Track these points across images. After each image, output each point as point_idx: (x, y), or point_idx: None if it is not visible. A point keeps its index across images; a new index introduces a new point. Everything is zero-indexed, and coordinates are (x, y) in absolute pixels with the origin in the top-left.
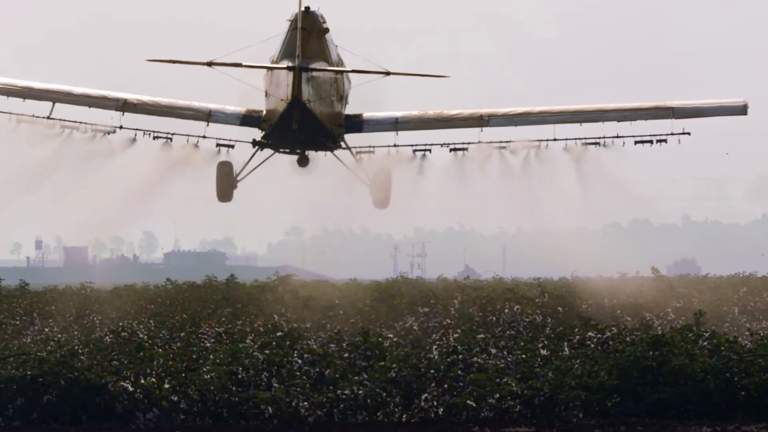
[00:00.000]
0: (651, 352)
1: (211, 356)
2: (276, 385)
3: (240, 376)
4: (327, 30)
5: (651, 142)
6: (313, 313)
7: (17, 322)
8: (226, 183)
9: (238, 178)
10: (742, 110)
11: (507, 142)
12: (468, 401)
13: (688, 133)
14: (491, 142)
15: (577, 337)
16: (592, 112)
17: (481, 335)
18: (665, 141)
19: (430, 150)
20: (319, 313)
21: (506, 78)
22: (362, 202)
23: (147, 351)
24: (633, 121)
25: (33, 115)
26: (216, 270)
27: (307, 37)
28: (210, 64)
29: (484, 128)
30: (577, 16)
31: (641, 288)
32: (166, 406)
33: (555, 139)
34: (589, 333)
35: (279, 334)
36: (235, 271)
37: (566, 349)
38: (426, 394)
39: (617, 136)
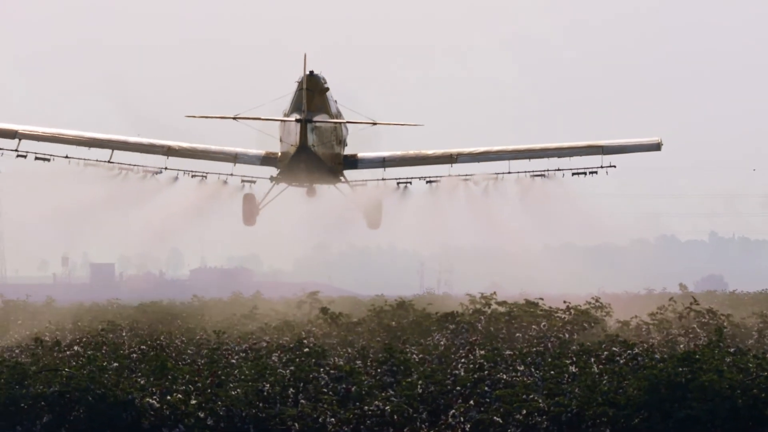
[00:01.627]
0: (680, 369)
1: (237, 372)
2: (303, 401)
3: (266, 392)
4: (327, 89)
5: (585, 173)
6: (339, 329)
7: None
8: (251, 211)
9: (260, 207)
10: (656, 147)
11: (471, 175)
12: (495, 417)
13: (614, 166)
14: (458, 175)
15: (605, 353)
16: (538, 150)
17: (508, 351)
18: (596, 173)
19: (410, 182)
20: (345, 329)
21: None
22: (357, 223)
23: (175, 367)
24: (570, 157)
25: (96, 160)
26: (242, 286)
27: (311, 95)
28: (235, 117)
29: (453, 164)
30: (530, 53)
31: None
32: (192, 422)
33: (509, 172)
34: (616, 349)
35: (305, 350)
36: (262, 287)
37: (594, 365)
38: (453, 410)
39: (558, 169)
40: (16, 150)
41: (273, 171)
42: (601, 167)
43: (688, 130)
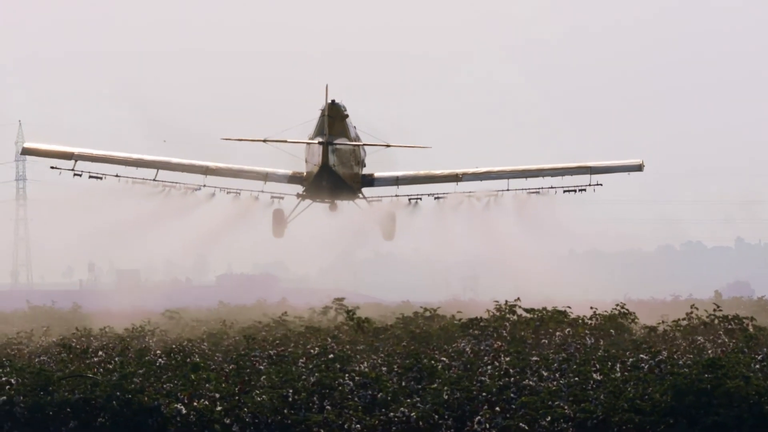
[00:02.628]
0: (706, 375)
1: (263, 378)
2: (328, 407)
3: (292, 399)
4: (347, 116)
5: (575, 191)
6: (365, 336)
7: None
8: (280, 224)
9: (288, 221)
10: (639, 168)
11: (472, 192)
12: (520, 424)
13: (601, 184)
14: (463, 193)
15: (630, 359)
16: (533, 171)
17: (534, 358)
18: (584, 190)
19: (420, 198)
20: (371, 336)
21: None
22: (374, 234)
23: (201, 373)
24: (562, 176)
25: (143, 179)
26: (268, 292)
27: (333, 121)
28: (265, 140)
29: (458, 182)
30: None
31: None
32: (219, 428)
33: (508, 189)
34: (642, 355)
35: (331, 356)
36: (288, 293)
37: (619, 371)
38: (478, 417)
39: (552, 187)
40: (73, 170)
41: (299, 188)
42: (589, 185)
43: (715, 137)
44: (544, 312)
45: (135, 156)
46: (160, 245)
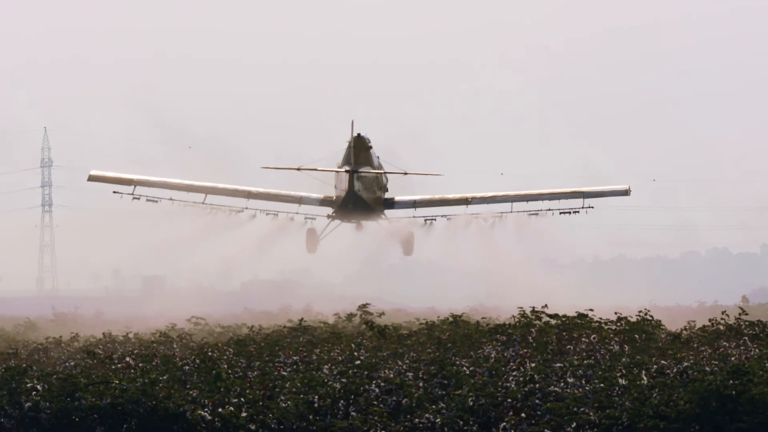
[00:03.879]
0: (730, 381)
1: (288, 384)
2: (353, 413)
3: (317, 405)
4: (371, 147)
5: (570, 212)
6: (390, 342)
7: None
8: (312, 242)
9: (320, 239)
10: (625, 192)
11: (478, 214)
12: (546, 430)
13: (592, 207)
14: (471, 214)
15: (655, 366)
16: (533, 195)
17: (559, 364)
18: (578, 212)
19: (435, 219)
20: (396, 342)
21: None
22: (395, 250)
23: (227, 379)
24: (559, 200)
25: (193, 202)
26: (293, 299)
27: (358, 152)
28: (299, 168)
29: (468, 205)
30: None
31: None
32: None
33: (511, 211)
34: (667, 362)
35: (356, 362)
36: (313, 300)
37: (644, 377)
38: (504, 423)
39: (549, 209)
40: (132, 194)
41: (329, 210)
42: (582, 208)
43: (739, 141)
44: (570, 318)
45: (186, 182)
46: (188, 253)
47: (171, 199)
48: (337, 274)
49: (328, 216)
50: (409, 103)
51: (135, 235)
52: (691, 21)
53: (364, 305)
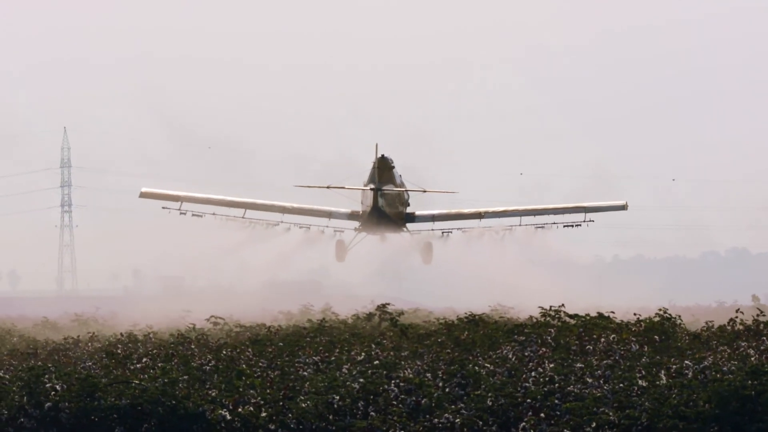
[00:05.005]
0: (750, 382)
1: (308, 385)
2: (373, 413)
3: (337, 405)
4: (393, 167)
5: (572, 226)
6: (409, 342)
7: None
8: (341, 252)
9: (348, 248)
10: (623, 207)
11: (490, 227)
12: (565, 430)
13: (593, 221)
14: (484, 227)
15: (674, 366)
16: (541, 210)
17: (578, 364)
18: (580, 225)
19: (451, 232)
20: (415, 342)
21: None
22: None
23: (246, 379)
24: (563, 214)
25: (234, 216)
26: (312, 298)
27: (382, 172)
28: (329, 187)
29: (481, 219)
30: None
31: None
32: None
33: (520, 225)
34: (686, 362)
35: (375, 362)
36: (331, 299)
37: (663, 378)
38: (523, 423)
39: (554, 223)
40: (179, 209)
41: (356, 224)
42: (584, 221)
43: (756, 139)
44: (589, 318)
45: (228, 198)
46: (205, 254)
47: (214, 213)
48: (356, 275)
49: (355, 229)
50: (409, 103)
51: (157, 238)
52: (691, 21)
53: (384, 305)
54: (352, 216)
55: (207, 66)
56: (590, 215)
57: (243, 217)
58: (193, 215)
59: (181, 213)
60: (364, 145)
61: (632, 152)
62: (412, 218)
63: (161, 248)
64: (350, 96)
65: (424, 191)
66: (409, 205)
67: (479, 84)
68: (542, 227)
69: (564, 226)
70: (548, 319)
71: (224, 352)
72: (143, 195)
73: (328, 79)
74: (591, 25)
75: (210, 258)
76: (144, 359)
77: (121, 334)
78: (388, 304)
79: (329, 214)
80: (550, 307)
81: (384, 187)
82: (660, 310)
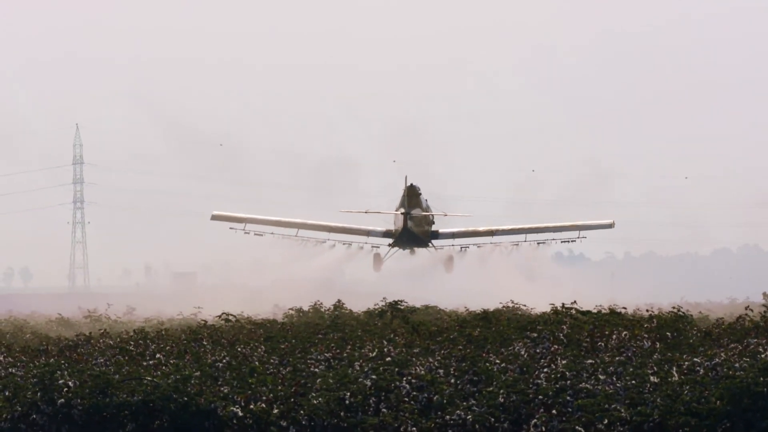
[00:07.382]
0: (762, 378)
1: (319, 381)
2: (384, 410)
3: (348, 402)
4: (420, 193)
5: (568, 241)
6: (421, 339)
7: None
8: (378, 263)
9: (384, 260)
10: (610, 225)
11: (499, 243)
12: (577, 427)
13: (585, 237)
14: (494, 243)
15: (686, 362)
16: (542, 228)
17: (590, 361)
18: (574, 241)
19: (468, 247)
20: (427, 339)
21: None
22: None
23: (259, 376)
24: (560, 232)
25: (287, 235)
26: (324, 295)
27: (411, 198)
28: (366, 212)
29: (493, 236)
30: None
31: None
32: (275, 431)
33: (525, 241)
34: (697, 359)
35: (387, 359)
36: (343, 296)
37: (675, 374)
38: (535, 420)
39: (553, 239)
40: (244, 230)
41: (390, 241)
42: (578, 237)
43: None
44: (601, 315)
45: (285, 219)
46: (219, 248)
47: (272, 233)
48: (369, 272)
49: (389, 245)
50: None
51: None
52: (691, 21)
53: (396, 302)
54: (386, 234)
55: (210, 66)
56: (583, 232)
57: (295, 236)
58: (255, 234)
59: (245, 233)
60: (364, 144)
61: (631, 152)
62: (436, 235)
63: (175, 246)
64: (351, 96)
65: (445, 215)
66: (434, 223)
67: (479, 84)
68: (543, 243)
69: (561, 242)
70: (560, 315)
71: (239, 349)
72: (214, 218)
73: (328, 79)
74: (591, 25)
75: (267, 266)
76: (157, 355)
77: (134, 331)
78: (402, 301)
79: (367, 233)
80: (563, 304)
81: (412, 212)
82: (674, 307)
